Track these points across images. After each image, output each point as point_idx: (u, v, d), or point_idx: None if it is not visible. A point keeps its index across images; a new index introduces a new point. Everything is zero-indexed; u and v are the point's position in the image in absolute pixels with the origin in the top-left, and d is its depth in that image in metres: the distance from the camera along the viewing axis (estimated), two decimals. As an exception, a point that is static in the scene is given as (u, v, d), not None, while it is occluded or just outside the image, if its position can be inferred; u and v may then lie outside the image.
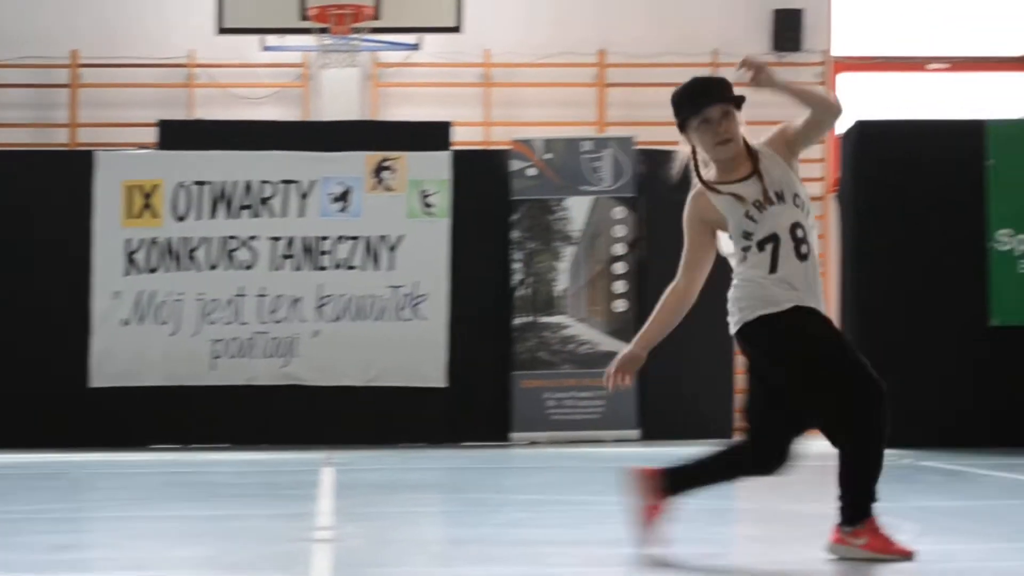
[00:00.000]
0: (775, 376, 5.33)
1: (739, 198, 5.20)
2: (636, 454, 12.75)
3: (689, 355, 14.01)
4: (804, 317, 5.22)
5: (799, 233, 5.24)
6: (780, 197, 5.24)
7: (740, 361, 15.15)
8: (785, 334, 5.22)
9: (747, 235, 5.25)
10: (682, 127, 5.35)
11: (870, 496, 5.33)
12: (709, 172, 5.34)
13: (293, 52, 15.83)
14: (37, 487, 10.91)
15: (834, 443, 5.27)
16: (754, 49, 16.43)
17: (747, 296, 5.27)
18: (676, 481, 5.48)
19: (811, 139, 5.28)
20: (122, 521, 8.35)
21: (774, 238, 5.21)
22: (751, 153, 5.28)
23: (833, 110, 5.22)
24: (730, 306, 5.34)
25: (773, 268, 5.20)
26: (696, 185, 5.41)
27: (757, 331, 5.26)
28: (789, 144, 5.28)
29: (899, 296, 13.07)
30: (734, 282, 5.37)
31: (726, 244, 5.50)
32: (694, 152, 5.36)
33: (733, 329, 5.35)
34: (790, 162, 5.30)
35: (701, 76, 5.63)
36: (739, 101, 5.26)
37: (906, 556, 5.32)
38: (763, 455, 5.39)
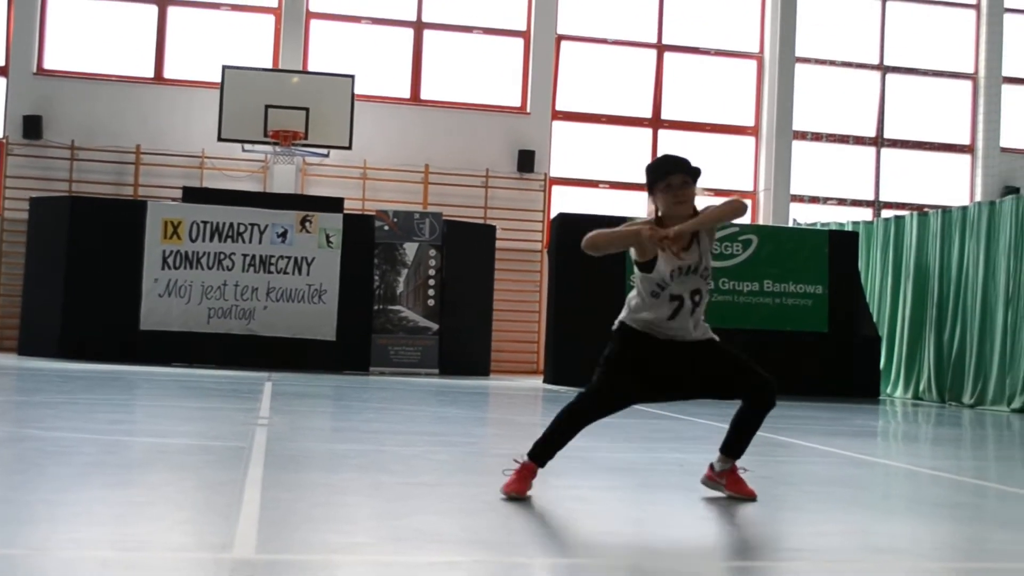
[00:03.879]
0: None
1: (677, 257, 4.98)
2: (438, 382, 15.07)
3: (464, 321, 17.44)
4: (646, 348, 5.10)
5: (696, 298, 5.12)
6: (697, 269, 5.09)
7: (495, 321, 17.65)
8: (630, 345, 5.14)
9: (661, 286, 5.08)
10: (650, 189, 5.12)
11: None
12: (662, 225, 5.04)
13: (259, 153, 18.99)
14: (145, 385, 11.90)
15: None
16: (507, 170, 20.21)
17: (640, 313, 5.13)
18: (542, 455, 5.20)
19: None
20: (161, 407, 9.11)
21: (679, 298, 5.08)
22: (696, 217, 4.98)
23: (741, 211, 4.99)
24: (626, 308, 5.20)
25: (671, 317, 5.10)
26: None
27: (627, 333, 5.13)
28: (712, 229, 5.10)
29: (580, 310, 15.41)
30: (634, 296, 5.20)
31: None
32: (657, 210, 5.11)
33: (617, 325, 5.22)
34: (711, 235, 5.13)
35: (669, 153, 5.19)
36: (696, 174, 5.06)
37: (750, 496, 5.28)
38: (607, 406, 5.18)
